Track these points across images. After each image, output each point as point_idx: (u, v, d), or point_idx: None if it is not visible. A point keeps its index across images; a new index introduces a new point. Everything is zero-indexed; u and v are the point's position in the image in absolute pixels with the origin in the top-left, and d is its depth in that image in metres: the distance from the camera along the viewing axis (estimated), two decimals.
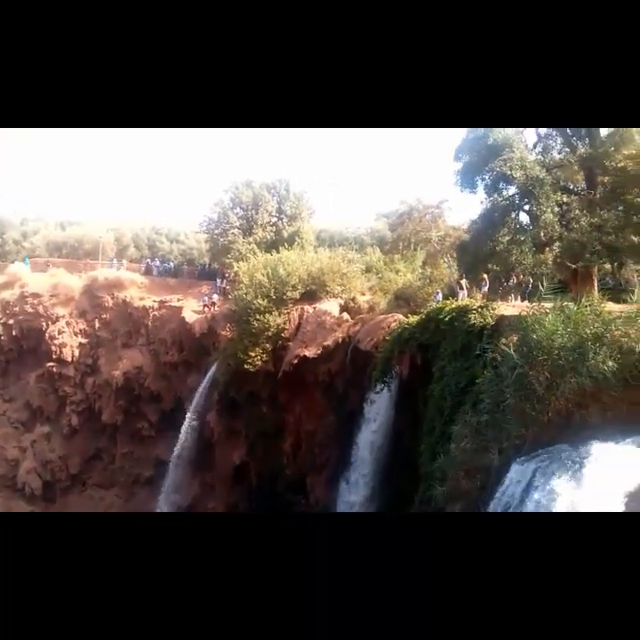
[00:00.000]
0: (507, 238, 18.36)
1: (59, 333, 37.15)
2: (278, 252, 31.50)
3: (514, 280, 20.80)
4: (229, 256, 35.56)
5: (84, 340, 37.72)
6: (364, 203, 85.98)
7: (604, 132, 18.98)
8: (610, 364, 9.57)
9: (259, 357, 27.56)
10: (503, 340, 12.42)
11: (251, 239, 36.27)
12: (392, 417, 21.20)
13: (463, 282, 23.06)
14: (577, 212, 17.66)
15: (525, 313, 12.17)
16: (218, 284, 37.55)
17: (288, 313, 28.71)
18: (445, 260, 25.89)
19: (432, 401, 17.17)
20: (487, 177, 18.54)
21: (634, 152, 17.56)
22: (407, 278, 28.31)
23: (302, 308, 28.80)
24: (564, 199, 19.05)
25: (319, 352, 25.77)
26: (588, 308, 11.08)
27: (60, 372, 37.19)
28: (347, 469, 23.45)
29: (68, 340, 37.29)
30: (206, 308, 35.22)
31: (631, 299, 11.16)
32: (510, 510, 9.19)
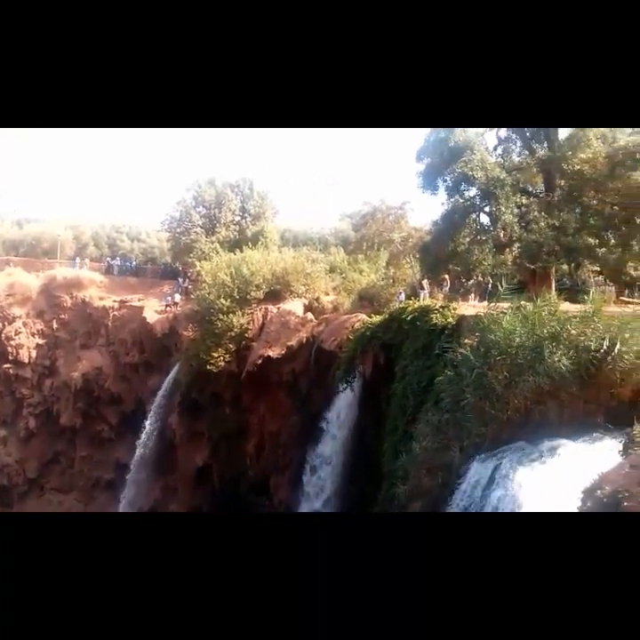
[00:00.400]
0: (468, 239, 18.64)
1: (15, 334, 36.23)
2: (242, 251, 31.32)
3: (474, 280, 21.13)
4: (192, 255, 35.19)
5: (41, 341, 36.87)
6: (327, 203, 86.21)
7: (561, 135, 19.44)
8: (566, 362, 9.76)
9: (222, 358, 27.34)
10: (464, 340, 12.58)
11: (214, 238, 35.97)
12: (355, 416, 21.28)
13: (425, 282, 23.33)
14: (536, 213, 18.02)
15: (483, 314, 12.36)
16: (180, 284, 37.12)
17: (252, 313, 28.57)
18: (408, 260, 26.13)
19: (395, 400, 17.31)
20: (448, 178, 18.77)
21: (590, 156, 18.02)
22: (371, 278, 28.47)
23: (266, 308, 28.69)
24: (524, 201, 19.42)
25: (283, 352, 25.72)
26: (545, 308, 11.31)
27: (17, 373, 36.27)
28: (310, 470, 23.44)
29: (24, 340, 36.39)
30: (168, 308, 34.78)
31: (587, 299, 11.42)
32: (471, 508, 9.31)
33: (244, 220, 38.25)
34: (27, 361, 36.24)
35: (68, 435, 36.61)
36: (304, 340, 25.61)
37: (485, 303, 16.85)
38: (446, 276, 21.40)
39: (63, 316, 37.28)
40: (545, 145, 19.03)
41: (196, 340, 28.89)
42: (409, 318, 18.65)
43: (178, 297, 35.34)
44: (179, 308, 34.22)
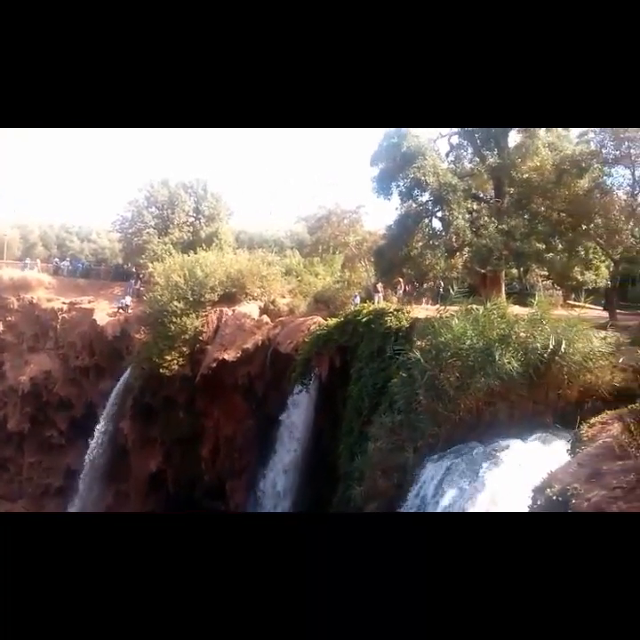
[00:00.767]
0: (421, 243, 18.97)
1: None
2: (196, 252, 30.99)
3: (427, 284, 21.51)
4: (144, 256, 34.60)
5: None
6: (283, 205, 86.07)
7: (511, 143, 20.00)
8: (515, 364, 10.06)
9: (175, 361, 26.98)
10: (417, 343, 12.81)
11: (167, 239, 35.46)
12: (312, 419, 21.37)
13: (379, 285, 23.63)
14: (486, 219, 18.46)
15: (433, 317, 12.63)
16: (132, 286, 36.43)
17: (206, 315, 28.30)
18: (363, 263, 26.40)
19: (350, 402, 17.47)
20: (402, 183, 19.04)
21: (538, 164, 18.59)
22: (326, 281, 28.62)
23: (221, 311, 28.47)
24: (475, 206, 19.88)
25: (238, 355, 25.58)
26: (495, 311, 11.63)
27: None
28: (267, 473, 23.39)
29: None
30: (120, 311, 34.10)
31: (534, 302, 11.80)
32: (425, 508, 9.48)
33: (197, 222, 37.85)
34: None
35: (16, 440, 35.44)
36: (260, 342, 25.54)
37: (438, 306, 17.19)
38: (401, 280, 21.72)
39: (10, 319, 36.12)
40: (495, 152, 19.52)
41: (148, 343, 28.40)
42: (364, 321, 18.88)
43: (129, 299, 34.69)
44: (130, 311, 33.59)
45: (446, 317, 12.09)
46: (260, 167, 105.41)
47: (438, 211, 19.12)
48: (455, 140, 20.87)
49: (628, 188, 17.72)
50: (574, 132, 20.81)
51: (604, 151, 17.28)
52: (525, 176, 18.64)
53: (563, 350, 9.87)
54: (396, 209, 20.05)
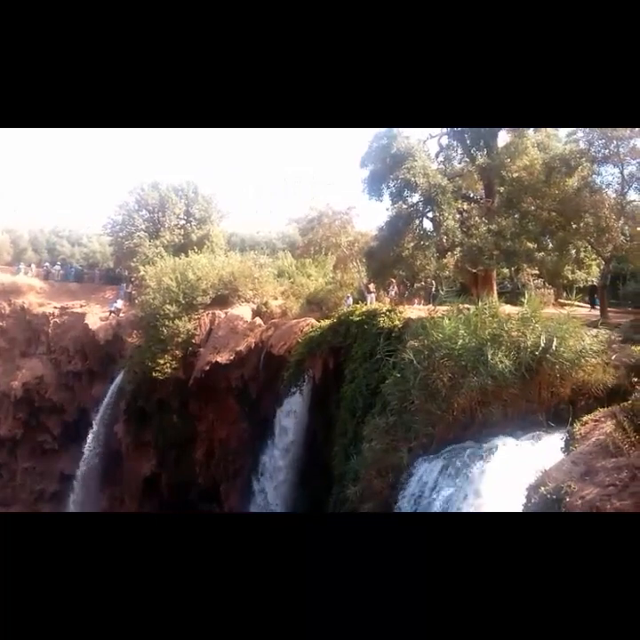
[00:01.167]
0: (411, 244, 18.99)
1: None
2: (187, 255, 30.93)
3: (418, 284, 21.57)
4: (135, 260, 34.46)
5: None
6: (274, 207, 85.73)
7: (500, 143, 20.08)
8: (507, 363, 10.11)
9: (168, 365, 26.90)
10: (410, 343, 12.85)
11: (158, 242, 35.34)
12: (306, 420, 21.36)
13: (371, 286, 23.66)
14: (476, 219, 18.51)
15: (426, 317, 12.68)
16: (123, 289, 36.30)
17: (198, 318, 28.24)
18: (355, 264, 26.41)
19: (344, 403, 17.49)
20: (392, 185, 19.07)
21: (527, 163, 18.68)
22: (319, 283, 28.62)
23: (213, 314, 28.43)
24: (465, 207, 19.95)
25: (232, 358, 25.53)
26: (486, 311, 11.68)
27: None
28: (261, 475, 23.37)
29: None
30: (111, 315, 33.97)
31: (524, 301, 11.85)
32: (420, 507, 9.51)
33: (188, 224, 37.74)
34: None
35: (9, 446, 35.21)
36: (253, 345, 25.52)
37: (430, 306, 17.26)
38: (392, 280, 21.76)
39: (1, 324, 35.89)
40: (484, 152, 19.59)
41: (140, 347, 28.32)
42: (357, 322, 18.92)
43: (121, 302, 34.56)
44: (122, 314, 33.48)
45: (438, 317, 12.15)
46: (251, 168, 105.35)
47: (429, 211, 19.16)
48: (445, 140, 20.92)
49: (618, 186, 17.82)
50: (563, 131, 20.95)
51: (592, 150, 17.35)
52: (515, 175, 18.72)
53: (554, 348, 9.93)
54: (387, 210, 20.09)
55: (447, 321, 11.51)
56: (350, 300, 24.02)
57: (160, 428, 28.18)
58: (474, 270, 19.10)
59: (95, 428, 30.83)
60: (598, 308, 19.61)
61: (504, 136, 20.27)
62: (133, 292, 34.29)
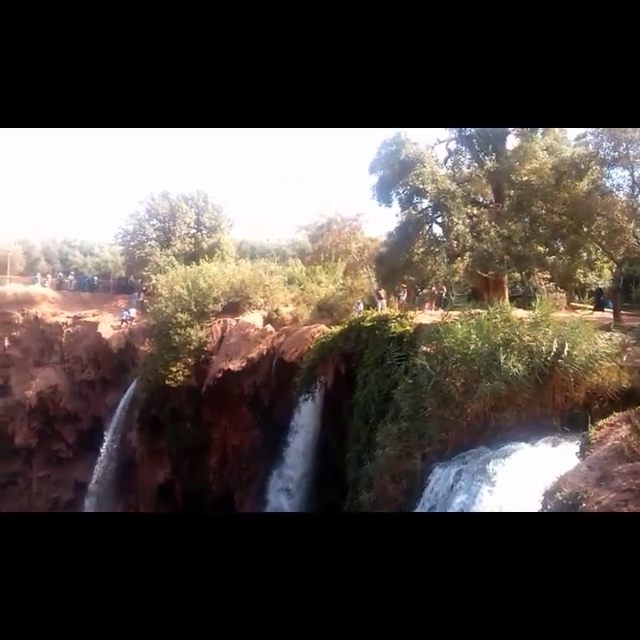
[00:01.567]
0: (421, 249, 19.02)
1: None
2: (198, 264, 31.13)
3: (428, 289, 21.58)
4: (147, 269, 34.76)
5: None
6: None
7: (509, 147, 20.07)
8: (520, 367, 10.10)
9: (180, 372, 27.06)
10: (423, 348, 12.86)
11: (169, 251, 35.64)
12: (318, 427, 21.38)
13: (382, 292, 23.70)
14: (486, 223, 18.51)
15: (439, 322, 12.69)
16: (136, 298, 36.58)
17: (210, 326, 28.41)
18: (365, 270, 26.47)
19: (357, 409, 17.49)
20: (401, 191, 19.10)
21: (537, 166, 18.66)
22: (329, 289, 28.68)
23: (225, 321, 28.57)
24: (474, 211, 19.95)
25: (244, 365, 25.63)
26: (498, 315, 11.68)
27: None
28: (275, 482, 23.39)
29: None
30: (124, 323, 34.23)
31: (534, 305, 11.84)
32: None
33: (199, 233, 38.04)
34: None
35: (24, 455, 35.53)
36: (264, 352, 25.60)
37: (441, 311, 17.26)
38: (403, 286, 21.78)
39: (15, 334, 36.25)
40: (493, 156, 19.58)
41: (153, 355, 28.50)
42: (368, 327, 18.93)
43: (133, 311, 34.82)
44: (134, 323, 33.72)
45: (450, 322, 12.16)
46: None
47: (438, 217, 19.17)
48: (453, 145, 20.94)
49: (628, 188, 17.75)
50: (571, 134, 20.92)
51: (601, 152, 17.31)
52: (525, 178, 18.70)
53: (566, 352, 9.91)
54: (397, 216, 20.13)
55: (459, 326, 11.52)
56: (361, 306, 24.06)
57: (174, 435, 28.32)
58: (485, 275, 19.09)
59: (109, 436, 31.02)
60: (606, 310, 19.52)
61: (512, 140, 20.27)
62: (145, 301, 34.55)
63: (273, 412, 24.60)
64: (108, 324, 34.96)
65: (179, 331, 27.40)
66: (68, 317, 36.37)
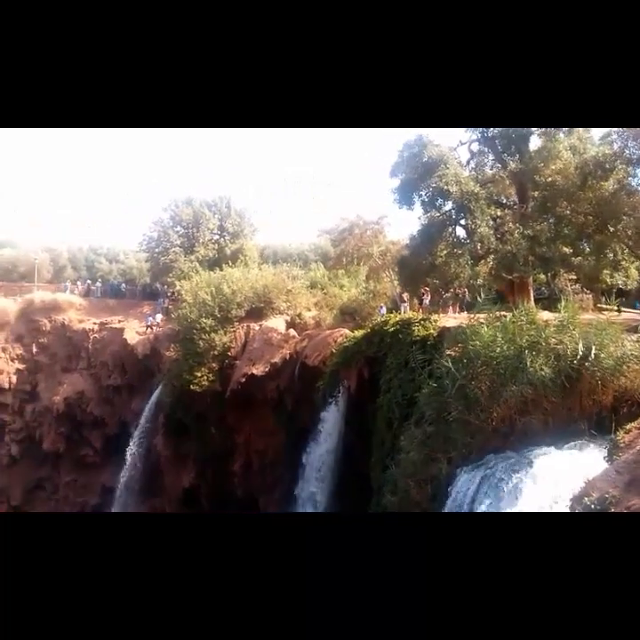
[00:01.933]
0: (445, 252, 18.89)
1: None
2: (221, 269, 31.37)
3: (452, 292, 21.42)
4: (171, 275, 35.15)
5: (21, 366, 36.38)
6: (306, 219, 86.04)
7: (532, 147, 19.86)
8: (547, 370, 9.98)
9: (205, 377, 27.26)
10: (447, 352, 12.77)
11: (193, 257, 35.98)
12: (342, 431, 21.34)
13: (405, 295, 23.60)
14: (510, 225, 18.33)
15: (465, 325, 12.58)
16: (161, 304, 36.98)
17: (234, 331, 28.59)
18: (387, 274, 26.40)
19: (380, 413, 17.42)
20: (424, 193, 19.00)
21: (561, 166, 18.43)
22: (351, 293, 28.68)
23: (248, 326, 28.73)
24: (498, 213, 19.74)
25: (267, 369, 25.73)
26: (524, 318, 11.54)
27: None
28: (299, 486, 23.39)
29: (4, 366, 35.88)
30: (149, 329, 34.62)
31: (560, 307, 11.69)
32: None
33: (222, 239, 38.37)
34: (7, 386, 35.71)
35: (52, 460, 36.08)
36: (287, 356, 25.67)
37: (465, 314, 17.13)
38: (426, 289, 21.66)
39: (42, 340, 36.88)
40: (516, 157, 19.39)
41: (178, 361, 28.77)
42: (391, 331, 18.85)
43: (159, 317, 35.20)
44: (159, 329, 34.09)
45: (477, 325, 12.05)
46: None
47: (462, 219, 19.04)
48: (475, 147, 20.80)
49: None
50: (596, 133, 20.61)
51: (627, 152, 17.04)
52: (549, 179, 18.48)
53: (593, 355, 9.77)
54: (419, 219, 20.03)
55: (485, 328, 11.42)
56: (384, 310, 24.00)
57: (199, 440, 28.52)
58: (509, 277, 18.89)
59: (135, 440, 31.36)
60: (633, 311, 19.15)
61: (535, 140, 20.06)
62: (170, 307, 34.91)
63: (296, 416, 24.63)
64: (134, 330, 35.38)
65: (203, 336, 27.62)
66: (95, 324, 36.89)
